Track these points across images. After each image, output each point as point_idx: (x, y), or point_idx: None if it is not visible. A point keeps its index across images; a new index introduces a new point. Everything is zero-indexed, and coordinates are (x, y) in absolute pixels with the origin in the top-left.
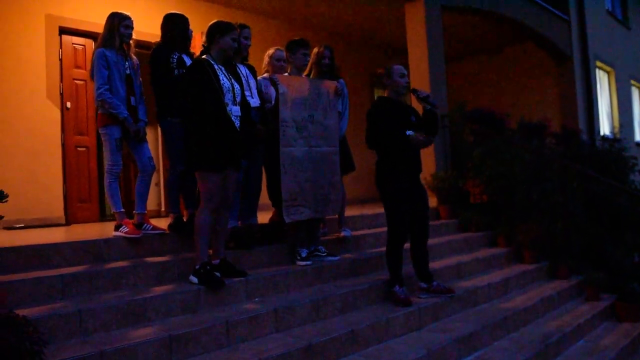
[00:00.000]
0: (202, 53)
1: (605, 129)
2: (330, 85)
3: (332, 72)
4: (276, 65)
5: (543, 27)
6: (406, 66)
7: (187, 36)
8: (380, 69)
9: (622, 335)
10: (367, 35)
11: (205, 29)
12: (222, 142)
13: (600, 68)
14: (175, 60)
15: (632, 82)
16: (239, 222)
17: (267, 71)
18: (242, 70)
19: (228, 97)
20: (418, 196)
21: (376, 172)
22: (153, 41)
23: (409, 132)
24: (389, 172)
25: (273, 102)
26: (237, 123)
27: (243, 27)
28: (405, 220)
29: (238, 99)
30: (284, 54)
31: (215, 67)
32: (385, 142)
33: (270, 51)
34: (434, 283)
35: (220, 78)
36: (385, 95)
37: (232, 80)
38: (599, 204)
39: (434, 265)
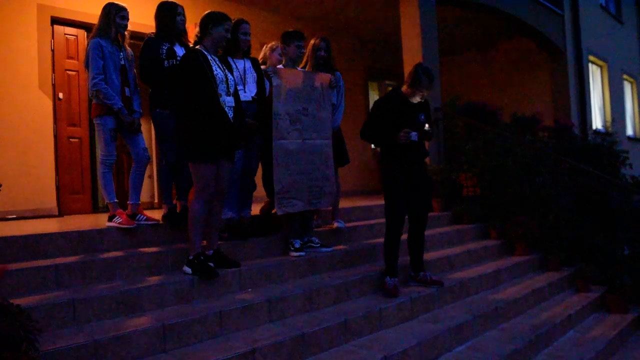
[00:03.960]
0: (195, 44)
1: (597, 123)
2: (324, 77)
3: (329, 64)
4: (278, 59)
5: (537, 21)
6: (401, 59)
7: (176, 24)
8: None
9: (612, 326)
10: (362, 28)
11: (198, 21)
12: (216, 132)
13: (593, 62)
14: (165, 50)
15: (625, 76)
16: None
17: (263, 63)
18: (243, 64)
19: (222, 88)
20: (417, 186)
21: (380, 164)
22: (147, 32)
23: (412, 133)
24: (388, 164)
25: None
26: (230, 114)
27: (242, 22)
28: (402, 213)
29: (232, 90)
30: None
31: (209, 57)
32: (376, 136)
33: (273, 44)
34: (420, 273)
35: (214, 68)
36: (403, 89)
37: (226, 71)
38: (590, 197)
39: (426, 256)
